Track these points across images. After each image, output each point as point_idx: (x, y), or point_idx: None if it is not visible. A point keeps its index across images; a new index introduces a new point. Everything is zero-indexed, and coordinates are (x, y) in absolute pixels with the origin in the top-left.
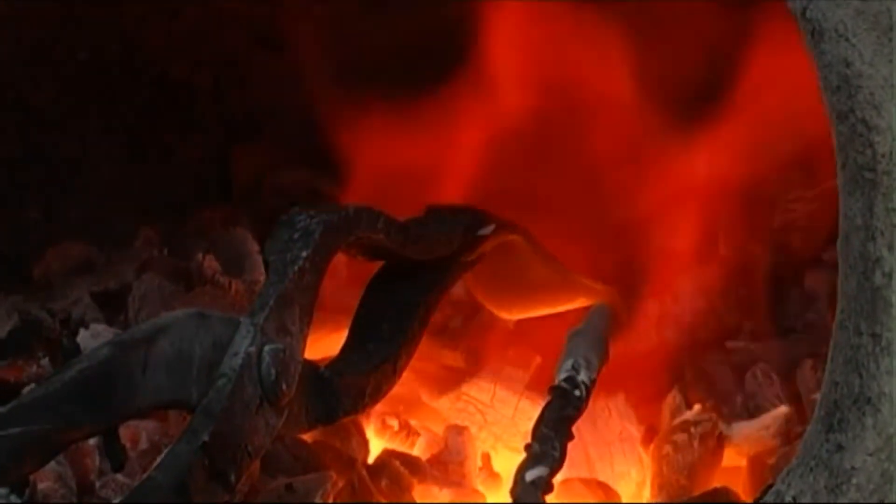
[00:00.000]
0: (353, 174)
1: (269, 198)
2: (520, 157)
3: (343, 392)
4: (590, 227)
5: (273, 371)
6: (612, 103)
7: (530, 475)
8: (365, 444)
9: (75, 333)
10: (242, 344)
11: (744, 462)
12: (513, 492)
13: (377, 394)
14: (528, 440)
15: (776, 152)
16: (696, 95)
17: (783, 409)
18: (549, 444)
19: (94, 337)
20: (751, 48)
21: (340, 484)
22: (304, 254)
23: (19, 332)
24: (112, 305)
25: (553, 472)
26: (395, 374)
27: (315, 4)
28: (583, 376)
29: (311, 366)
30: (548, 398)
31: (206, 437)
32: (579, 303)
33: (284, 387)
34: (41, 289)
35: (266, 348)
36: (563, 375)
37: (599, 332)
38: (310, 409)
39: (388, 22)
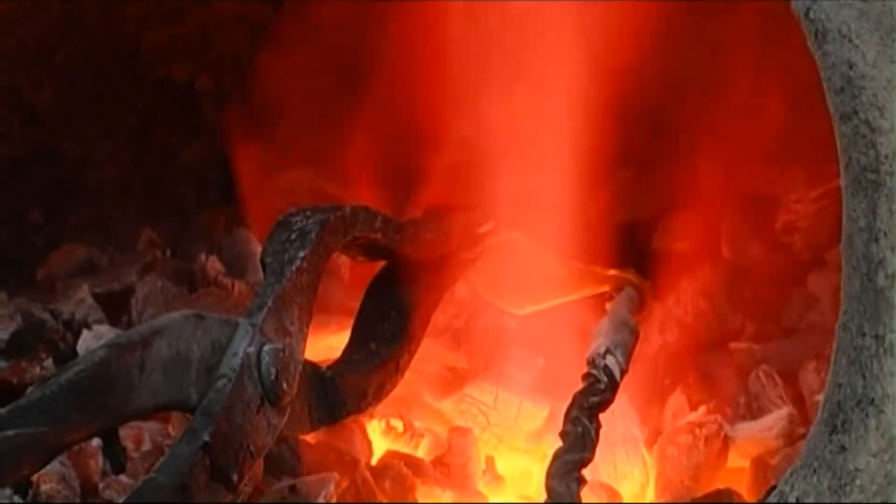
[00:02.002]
0: (356, 174)
1: (271, 199)
2: (520, 157)
3: (346, 392)
4: (592, 228)
5: (273, 370)
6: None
7: (565, 462)
8: (368, 445)
9: (78, 335)
10: (241, 344)
11: (747, 463)
12: (548, 479)
13: (380, 393)
14: (531, 442)
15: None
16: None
17: (786, 411)
18: (582, 430)
19: (96, 338)
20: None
21: (344, 485)
22: (301, 254)
23: (22, 333)
24: (115, 307)
25: (588, 459)
26: (397, 372)
27: (316, 5)
28: (614, 362)
29: (313, 366)
30: (581, 385)
31: (206, 437)
32: (591, 290)
33: (285, 386)
34: (44, 290)
35: (265, 348)
36: (594, 362)
37: (627, 318)
38: (312, 410)
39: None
